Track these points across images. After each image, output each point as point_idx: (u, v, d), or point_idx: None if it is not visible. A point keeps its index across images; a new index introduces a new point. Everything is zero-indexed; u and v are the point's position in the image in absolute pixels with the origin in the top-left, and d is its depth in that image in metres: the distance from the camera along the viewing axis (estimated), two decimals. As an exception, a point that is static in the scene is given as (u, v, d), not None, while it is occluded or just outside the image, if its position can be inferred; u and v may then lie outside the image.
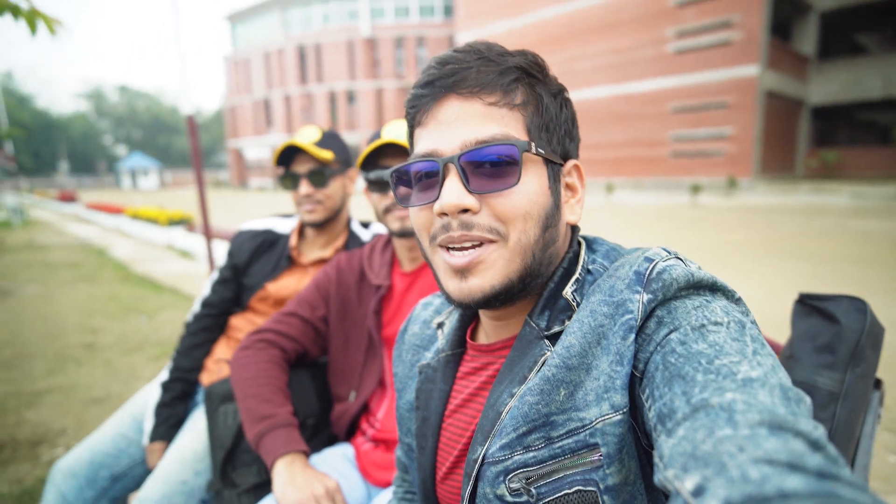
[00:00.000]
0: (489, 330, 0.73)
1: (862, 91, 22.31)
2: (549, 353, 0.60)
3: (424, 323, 0.87)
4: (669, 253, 0.60)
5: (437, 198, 0.61)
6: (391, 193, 1.25)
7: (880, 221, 11.37)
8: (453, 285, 0.63)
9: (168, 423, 1.53)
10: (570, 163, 0.67)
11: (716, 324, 0.51)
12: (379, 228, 1.79)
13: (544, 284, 0.66)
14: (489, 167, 0.59)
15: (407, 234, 1.29)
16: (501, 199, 0.59)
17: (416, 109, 0.64)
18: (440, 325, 0.81)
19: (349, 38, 40.81)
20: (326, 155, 1.61)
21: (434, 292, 1.32)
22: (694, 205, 16.42)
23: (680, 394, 0.46)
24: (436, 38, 39.80)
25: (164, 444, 1.50)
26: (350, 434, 1.37)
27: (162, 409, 1.55)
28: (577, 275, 0.65)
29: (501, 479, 0.59)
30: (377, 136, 1.29)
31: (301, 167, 1.63)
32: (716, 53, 20.73)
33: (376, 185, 1.30)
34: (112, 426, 1.54)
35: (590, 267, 0.66)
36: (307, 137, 1.62)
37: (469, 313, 0.78)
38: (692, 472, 0.38)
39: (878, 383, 1.02)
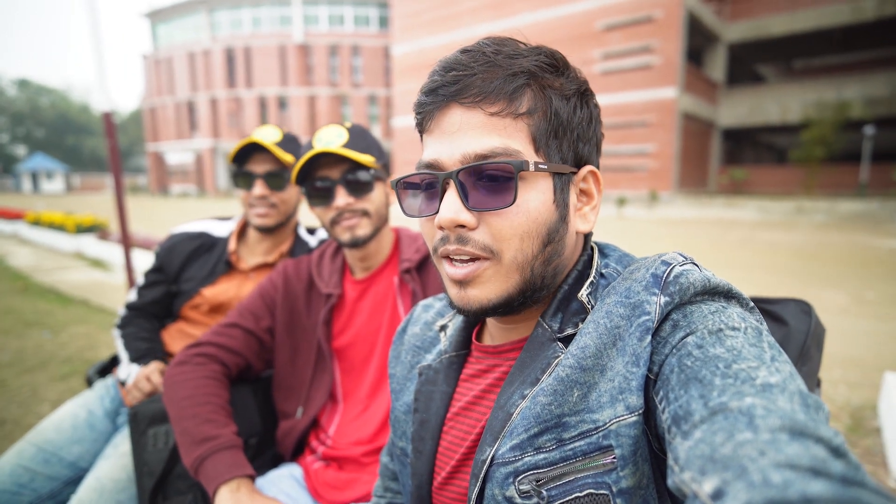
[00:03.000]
0: (495, 333, 0.71)
1: (763, 116, 24.61)
2: (562, 356, 0.59)
3: (426, 324, 0.83)
4: (685, 258, 0.59)
5: (437, 211, 0.60)
6: (333, 205, 1.19)
7: (784, 233, 12.52)
8: (453, 293, 0.63)
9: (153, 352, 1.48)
10: (586, 169, 0.64)
11: (733, 329, 0.50)
12: (326, 234, 1.70)
13: (557, 287, 0.65)
14: (488, 183, 0.57)
15: (358, 244, 1.22)
16: (499, 219, 0.58)
17: (422, 116, 0.63)
18: (443, 328, 0.78)
19: (281, 43, 39.78)
20: (288, 157, 1.51)
21: (387, 301, 1.28)
22: (620, 216, 17.29)
23: (697, 396, 0.45)
24: (371, 47, 39.64)
25: (162, 365, 1.43)
26: (297, 453, 1.26)
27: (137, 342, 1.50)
28: (591, 278, 0.64)
29: (511, 480, 0.58)
30: (309, 145, 1.21)
31: (258, 167, 1.52)
32: (638, 76, 22.09)
33: (318, 198, 1.22)
34: (11, 458, 1.32)
35: (603, 271, 0.65)
36: (268, 137, 1.51)
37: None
38: (711, 475, 0.37)
39: (818, 382, 1.06)
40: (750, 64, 30.26)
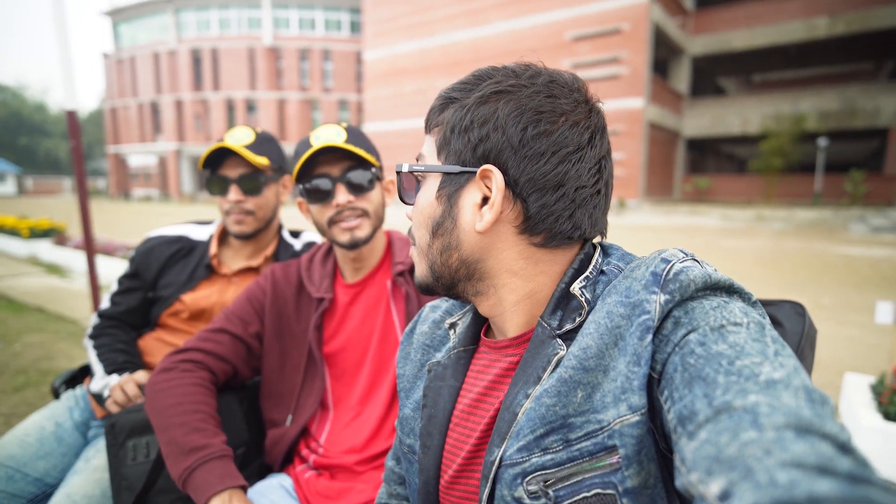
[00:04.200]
0: (493, 328, 0.74)
1: (725, 127, 25.48)
2: (561, 352, 0.60)
3: (434, 323, 0.83)
4: (686, 254, 0.59)
5: None
6: (333, 202, 1.16)
7: (746, 240, 12.98)
8: None
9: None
10: (482, 168, 0.62)
11: (735, 324, 0.50)
12: (311, 237, 1.65)
13: (554, 286, 0.66)
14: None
15: (357, 246, 1.18)
16: (410, 210, 0.72)
17: None
18: (452, 326, 0.78)
19: (250, 45, 39.12)
20: (262, 161, 1.45)
21: (380, 305, 1.25)
22: (589, 224, 17.56)
23: (701, 395, 0.45)
24: (342, 52, 39.39)
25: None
26: (286, 463, 1.21)
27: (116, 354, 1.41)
28: (587, 273, 0.64)
29: (519, 481, 0.58)
30: (306, 143, 1.18)
31: (232, 171, 1.45)
32: (607, 86, 22.56)
33: (316, 196, 1.18)
34: None
35: (604, 268, 0.65)
36: (239, 139, 1.45)
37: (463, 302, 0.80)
38: (717, 476, 0.37)
39: (809, 382, 1.08)
40: (712, 77, 31.36)
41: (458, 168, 0.64)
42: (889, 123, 21.69)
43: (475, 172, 0.63)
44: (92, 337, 1.47)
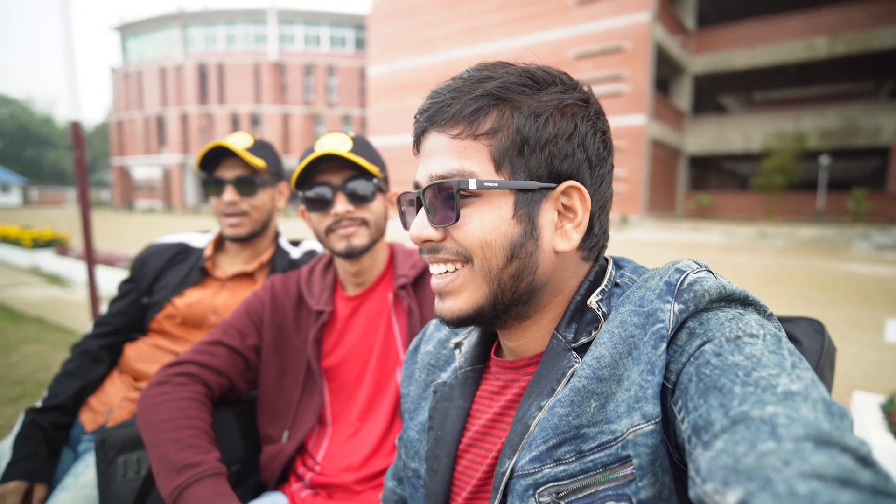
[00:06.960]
0: (508, 347, 0.71)
1: (727, 144, 25.59)
2: (577, 365, 0.59)
3: (439, 343, 0.81)
4: (700, 265, 0.58)
5: None
6: (332, 211, 1.15)
7: (749, 257, 12.92)
8: (436, 303, 0.67)
9: (30, 459, 1.19)
10: (565, 184, 0.61)
11: (751, 336, 0.49)
12: (311, 245, 1.63)
13: (570, 299, 0.64)
14: (445, 200, 0.61)
15: (353, 254, 1.16)
16: (458, 231, 0.61)
17: (414, 139, 0.67)
18: (457, 345, 0.77)
19: (255, 60, 39.62)
20: (258, 162, 1.46)
21: (381, 318, 1.22)
22: (592, 239, 17.54)
23: (717, 406, 0.44)
24: (347, 67, 39.84)
25: (22, 486, 1.15)
26: (281, 481, 1.17)
27: (23, 441, 1.22)
28: (603, 286, 0.63)
29: (531, 492, 0.56)
30: (311, 150, 1.17)
31: (228, 172, 1.47)
32: (609, 103, 22.73)
33: (315, 204, 1.17)
34: None
35: (618, 280, 0.64)
36: (239, 142, 1.47)
37: (490, 330, 0.75)
38: (734, 487, 0.36)
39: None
40: (714, 95, 31.57)
41: (537, 184, 0.60)
42: (890, 142, 21.75)
43: (554, 188, 0.60)
44: (71, 351, 1.44)
